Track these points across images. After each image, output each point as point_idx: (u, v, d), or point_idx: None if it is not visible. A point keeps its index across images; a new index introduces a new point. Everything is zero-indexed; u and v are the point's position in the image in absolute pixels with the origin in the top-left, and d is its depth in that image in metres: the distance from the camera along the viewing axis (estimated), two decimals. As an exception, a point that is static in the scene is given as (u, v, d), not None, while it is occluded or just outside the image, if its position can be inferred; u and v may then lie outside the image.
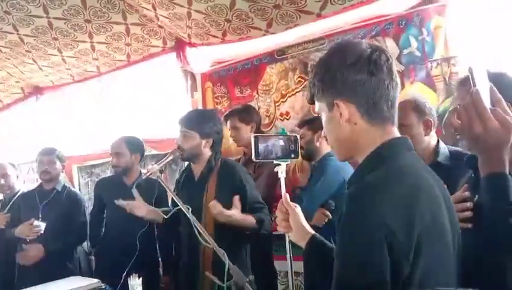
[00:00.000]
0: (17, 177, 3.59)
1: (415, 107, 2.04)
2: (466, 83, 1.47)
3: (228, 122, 3.04)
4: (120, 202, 2.42)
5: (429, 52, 2.75)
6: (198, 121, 2.41)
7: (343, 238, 0.97)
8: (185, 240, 2.41)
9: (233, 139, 3.09)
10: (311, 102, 1.16)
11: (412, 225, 0.91)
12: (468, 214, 1.27)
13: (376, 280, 0.90)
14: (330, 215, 2.46)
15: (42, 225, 3.02)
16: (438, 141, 2.07)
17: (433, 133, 2.06)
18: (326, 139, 2.70)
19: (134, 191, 2.49)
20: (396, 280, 0.90)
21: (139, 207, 2.40)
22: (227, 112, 3.19)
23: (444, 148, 2.04)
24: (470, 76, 1.02)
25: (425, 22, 2.76)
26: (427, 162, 1.93)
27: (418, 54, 2.78)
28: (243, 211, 2.28)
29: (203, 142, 2.38)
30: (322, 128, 2.79)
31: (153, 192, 2.67)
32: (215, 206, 2.13)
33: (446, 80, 2.70)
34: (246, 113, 3.04)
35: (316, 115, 3.02)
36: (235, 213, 2.15)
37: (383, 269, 0.89)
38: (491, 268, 1.00)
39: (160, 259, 3.02)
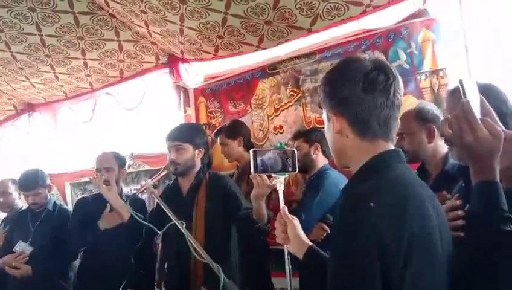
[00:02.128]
0: (20, 194, 3.52)
1: (416, 114, 2.02)
2: (455, 93, 1.51)
3: (218, 140, 3.09)
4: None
5: (418, 64, 2.80)
6: (190, 133, 2.45)
7: (335, 248, 1.00)
8: (174, 256, 2.40)
9: (224, 155, 3.11)
10: (321, 107, 1.21)
11: (401, 235, 0.93)
12: (460, 222, 1.28)
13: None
14: (328, 229, 2.47)
15: (28, 249, 2.97)
16: None
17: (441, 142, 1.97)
18: (322, 151, 2.72)
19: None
20: (386, 289, 0.91)
21: (111, 191, 2.49)
22: (215, 130, 3.26)
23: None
24: (460, 87, 1.05)
25: (413, 35, 2.81)
26: (435, 171, 1.96)
27: (406, 66, 2.82)
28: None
29: (196, 152, 2.42)
30: (318, 140, 2.83)
31: (142, 209, 2.67)
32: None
33: (435, 91, 2.74)
34: (232, 129, 3.08)
35: (310, 127, 3.08)
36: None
37: (374, 279, 0.91)
38: (483, 275, 1.01)
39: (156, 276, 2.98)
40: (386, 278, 0.91)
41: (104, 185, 2.52)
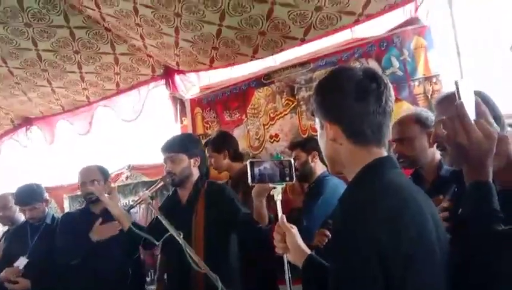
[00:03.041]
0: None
1: (416, 119, 2.03)
2: (444, 101, 1.53)
3: (206, 151, 3.11)
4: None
5: (411, 71, 2.83)
6: (183, 143, 2.48)
7: (336, 255, 1.01)
8: (175, 266, 2.40)
9: (213, 167, 3.12)
10: (313, 115, 1.23)
11: (399, 240, 0.94)
12: (445, 224, 1.28)
13: None
14: (330, 235, 2.48)
15: (23, 262, 2.95)
16: None
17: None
18: (320, 159, 2.75)
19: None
20: None
21: (113, 200, 2.53)
22: (204, 142, 3.27)
23: None
24: (455, 89, 1.07)
25: (406, 43, 2.84)
26: (430, 177, 1.97)
27: (400, 73, 2.85)
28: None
29: (192, 161, 2.45)
30: (315, 149, 2.86)
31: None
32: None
33: (429, 97, 2.77)
34: (217, 142, 3.11)
35: (306, 136, 3.09)
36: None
37: (376, 284, 0.92)
38: (476, 274, 1.02)
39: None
40: (387, 282, 0.92)
41: (106, 194, 2.54)
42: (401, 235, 0.95)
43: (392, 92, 1.14)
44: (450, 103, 1.42)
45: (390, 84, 1.13)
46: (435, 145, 1.97)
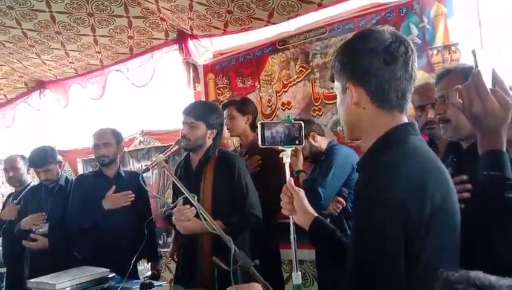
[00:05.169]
0: (28, 170, 3.57)
1: None
2: (450, 73, 1.52)
3: (225, 111, 3.06)
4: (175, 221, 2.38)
5: (430, 39, 2.76)
6: (205, 112, 2.47)
7: (360, 219, 1.01)
8: None
9: (227, 128, 3.09)
10: (332, 80, 1.20)
11: (423, 204, 0.95)
12: (467, 195, 1.29)
13: (394, 258, 0.94)
14: (344, 202, 2.52)
15: (45, 227, 3.06)
16: None
17: None
18: (318, 134, 2.74)
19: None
20: (407, 257, 0.94)
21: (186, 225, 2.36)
22: (226, 101, 3.26)
23: None
24: (473, 58, 1.06)
25: (426, 10, 2.76)
26: (443, 148, 1.92)
27: (418, 41, 2.78)
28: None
29: (209, 132, 2.45)
30: (312, 129, 2.86)
31: (134, 186, 2.74)
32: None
33: (447, 67, 2.72)
34: (243, 104, 3.09)
35: (299, 117, 3.04)
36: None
37: (400, 247, 0.93)
38: (486, 242, 1.03)
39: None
40: (408, 246, 0.94)
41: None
42: (425, 201, 0.96)
43: (416, 58, 1.12)
44: (451, 80, 1.41)
45: (415, 50, 1.11)
46: None
